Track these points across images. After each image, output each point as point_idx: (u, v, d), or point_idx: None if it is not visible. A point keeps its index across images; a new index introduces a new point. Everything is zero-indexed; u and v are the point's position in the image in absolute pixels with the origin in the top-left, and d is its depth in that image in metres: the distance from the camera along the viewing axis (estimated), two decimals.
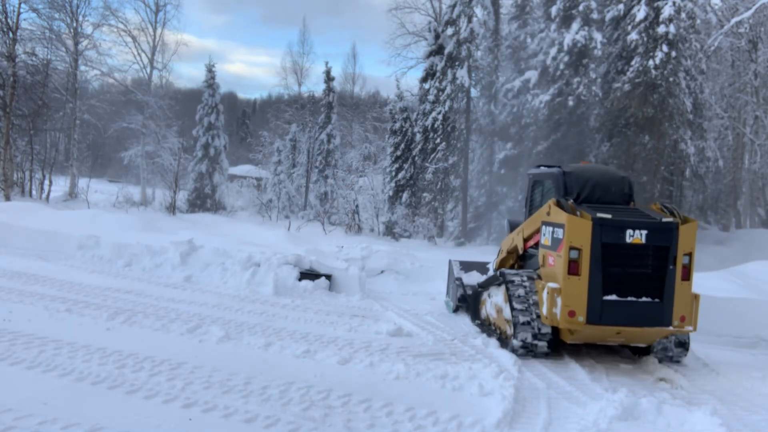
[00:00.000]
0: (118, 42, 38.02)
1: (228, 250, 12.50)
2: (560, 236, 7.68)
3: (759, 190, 34.13)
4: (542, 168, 9.55)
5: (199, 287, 11.21)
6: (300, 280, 11.58)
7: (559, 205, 7.92)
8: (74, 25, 34.18)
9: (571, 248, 7.46)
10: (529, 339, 7.99)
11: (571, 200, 8.12)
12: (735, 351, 9.03)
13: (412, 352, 7.81)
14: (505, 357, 7.73)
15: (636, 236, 7.42)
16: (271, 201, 36.93)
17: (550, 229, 8.06)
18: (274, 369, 6.70)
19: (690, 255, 7.58)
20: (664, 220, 7.58)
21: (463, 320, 10.25)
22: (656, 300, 7.47)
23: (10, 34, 28.56)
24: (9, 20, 28.70)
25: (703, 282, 11.22)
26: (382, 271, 13.50)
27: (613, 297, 7.43)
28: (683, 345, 8.14)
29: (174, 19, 69.71)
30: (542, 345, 8.03)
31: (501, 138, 28.27)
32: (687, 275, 7.59)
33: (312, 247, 14.28)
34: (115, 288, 10.51)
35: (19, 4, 29.32)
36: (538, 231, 8.64)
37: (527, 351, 8.04)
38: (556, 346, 8.23)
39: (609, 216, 7.48)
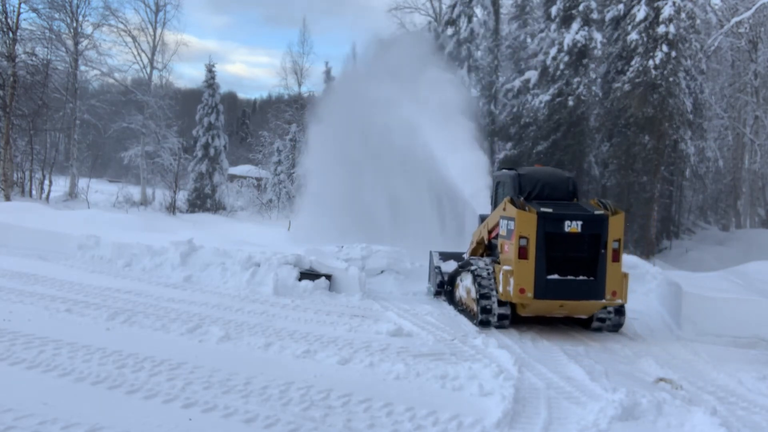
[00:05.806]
0: (118, 42, 37.89)
1: (228, 250, 12.48)
2: (512, 228, 9.19)
3: (759, 190, 34.15)
4: (503, 170, 11.06)
5: (199, 287, 11.20)
6: (300, 280, 11.56)
7: (512, 202, 9.40)
8: (74, 25, 34.14)
9: (521, 237, 8.97)
10: (490, 314, 9.42)
11: (523, 198, 9.62)
12: (735, 351, 9.02)
13: (412, 352, 7.80)
14: (505, 357, 7.71)
15: (573, 226, 8.93)
16: (271, 201, 36.92)
17: (506, 222, 9.55)
18: (274, 369, 6.70)
19: (619, 241, 9.10)
20: (597, 212, 9.08)
21: (463, 320, 10.25)
22: (591, 278, 9.01)
23: (10, 34, 28.50)
24: (9, 20, 28.66)
25: (703, 282, 11.23)
26: (382, 271, 13.47)
27: (555, 276, 8.96)
28: (620, 314, 9.59)
29: (174, 19, 69.20)
30: (503, 317, 9.43)
31: (501, 138, 28.23)
32: (617, 257, 9.08)
33: (312, 247, 14.23)
34: (115, 288, 10.51)
35: (19, 4, 29.29)
36: (498, 224, 10.03)
37: (489, 324, 9.46)
38: (516, 322, 9.60)
39: (551, 210, 9.02)
